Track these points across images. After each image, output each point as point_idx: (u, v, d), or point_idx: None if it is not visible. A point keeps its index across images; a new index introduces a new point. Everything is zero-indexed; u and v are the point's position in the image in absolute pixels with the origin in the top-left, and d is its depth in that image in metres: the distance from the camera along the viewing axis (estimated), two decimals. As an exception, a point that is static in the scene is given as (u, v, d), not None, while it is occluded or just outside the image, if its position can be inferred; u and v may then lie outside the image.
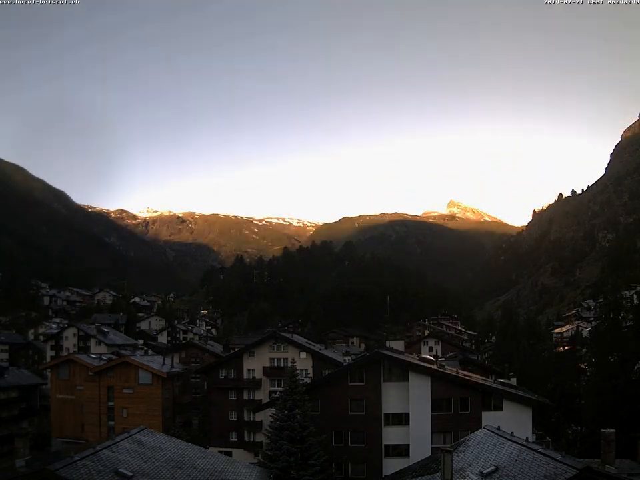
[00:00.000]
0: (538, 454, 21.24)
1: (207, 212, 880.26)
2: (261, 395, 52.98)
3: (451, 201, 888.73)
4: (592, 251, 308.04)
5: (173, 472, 21.77)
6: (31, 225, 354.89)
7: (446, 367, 42.48)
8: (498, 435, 25.89)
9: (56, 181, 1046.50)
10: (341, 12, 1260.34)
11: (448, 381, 36.56)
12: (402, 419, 36.79)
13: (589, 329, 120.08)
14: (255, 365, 53.96)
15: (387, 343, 48.37)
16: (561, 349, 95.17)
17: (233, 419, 52.77)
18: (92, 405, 57.54)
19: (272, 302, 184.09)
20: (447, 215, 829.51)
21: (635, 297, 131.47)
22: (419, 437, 35.88)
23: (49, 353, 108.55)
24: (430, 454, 33.50)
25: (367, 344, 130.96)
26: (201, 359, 73.06)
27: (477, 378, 41.39)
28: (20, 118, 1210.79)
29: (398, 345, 45.99)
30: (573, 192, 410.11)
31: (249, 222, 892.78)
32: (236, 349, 64.16)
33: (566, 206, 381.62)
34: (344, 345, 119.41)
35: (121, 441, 22.66)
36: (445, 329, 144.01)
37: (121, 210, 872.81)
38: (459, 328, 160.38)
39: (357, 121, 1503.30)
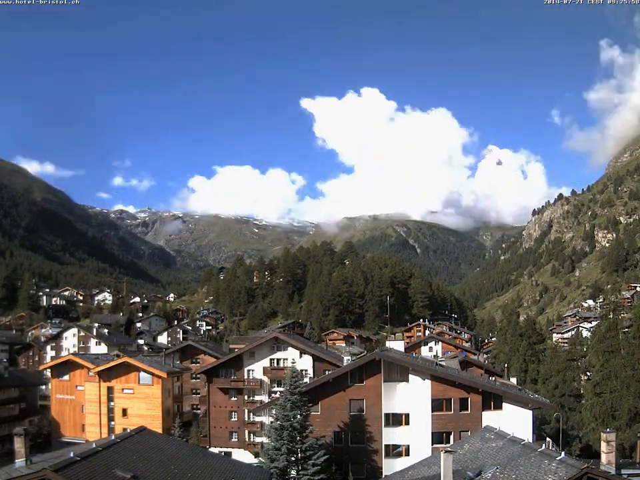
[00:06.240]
0: (538, 454, 21.24)
1: (207, 212, 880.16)
2: (261, 396, 52.98)
3: (451, 200, 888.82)
4: (592, 250, 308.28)
5: (172, 472, 21.75)
6: (31, 225, 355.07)
7: (446, 367, 42.51)
8: (498, 435, 25.91)
9: (56, 181, 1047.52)
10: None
11: (448, 381, 36.50)
12: (402, 419, 36.80)
13: (589, 328, 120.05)
14: (255, 366, 53.88)
15: (387, 344, 48.31)
16: (561, 348, 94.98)
17: (233, 419, 52.78)
18: (92, 405, 57.46)
19: (272, 302, 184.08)
20: (447, 215, 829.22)
21: (635, 297, 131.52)
22: (419, 437, 35.91)
23: (49, 353, 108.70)
24: (430, 454, 33.53)
25: (367, 344, 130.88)
26: (201, 360, 72.99)
27: (477, 378, 41.43)
28: (20, 118, 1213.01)
29: (398, 345, 45.96)
30: (573, 192, 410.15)
31: (249, 222, 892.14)
32: (236, 350, 64.02)
33: (566, 206, 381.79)
34: (344, 345, 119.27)
35: (120, 441, 22.67)
36: (444, 329, 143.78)
37: (121, 210, 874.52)
38: (459, 328, 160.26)
39: (356, 120, 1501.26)
